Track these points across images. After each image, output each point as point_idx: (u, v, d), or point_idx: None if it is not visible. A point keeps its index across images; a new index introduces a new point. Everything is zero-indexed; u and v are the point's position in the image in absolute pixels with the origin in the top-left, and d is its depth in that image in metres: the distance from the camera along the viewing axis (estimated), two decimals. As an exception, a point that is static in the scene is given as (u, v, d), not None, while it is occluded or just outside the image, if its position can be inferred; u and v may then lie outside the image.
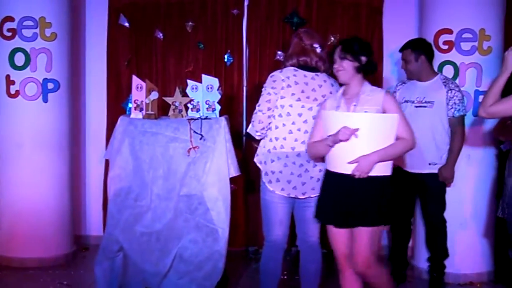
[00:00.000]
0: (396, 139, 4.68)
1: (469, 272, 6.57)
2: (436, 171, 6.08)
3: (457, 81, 6.29)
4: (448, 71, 6.39)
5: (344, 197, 4.73)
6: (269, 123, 5.15)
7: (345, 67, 4.80)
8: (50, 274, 6.58)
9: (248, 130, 5.33)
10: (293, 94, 5.07)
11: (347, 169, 4.66)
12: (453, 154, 6.05)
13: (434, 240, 6.31)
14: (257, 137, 5.27)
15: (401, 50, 6.26)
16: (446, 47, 6.42)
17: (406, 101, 6.19)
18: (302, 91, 5.09)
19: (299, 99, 5.07)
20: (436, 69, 6.32)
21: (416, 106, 6.12)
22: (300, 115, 5.08)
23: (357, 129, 4.56)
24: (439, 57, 6.40)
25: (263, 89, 5.21)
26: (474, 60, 6.38)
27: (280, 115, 5.09)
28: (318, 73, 5.19)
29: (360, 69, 4.81)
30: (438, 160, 6.07)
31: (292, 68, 5.19)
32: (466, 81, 6.38)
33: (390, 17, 7.35)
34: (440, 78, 6.13)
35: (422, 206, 6.33)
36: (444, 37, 6.43)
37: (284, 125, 5.09)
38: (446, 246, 6.30)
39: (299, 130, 5.07)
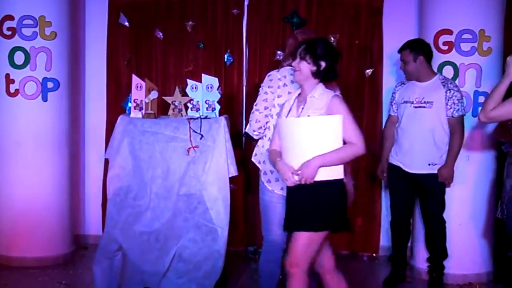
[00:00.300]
0: (345, 144, 4.57)
1: (468, 272, 6.56)
2: (435, 171, 6.08)
3: (456, 81, 6.29)
4: (448, 71, 6.38)
5: (292, 202, 4.70)
6: (267, 122, 5.16)
7: (301, 69, 4.68)
8: (49, 274, 6.57)
9: (246, 130, 5.34)
10: (289, 93, 5.08)
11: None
12: (452, 154, 6.05)
13: (433, 240, 6.32)
14: (255, 137, 5.28)
15: (400, 50, 6.26)
16: (446, 47, 6.42)
17: (405, 102, 6.19)
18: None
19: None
20: (436, 69, 6.32)
21: (415, 107, 6.12)
22: None
23: (299, 179, 4.54)
24: (439, 58, 6.40)
25: (260, 89, 5.22)
26: (474, 61, 6.38)
27: (278, 115, 5.08)
28: None
29: (316, 74, 4.67)
30: (438, 160, 6.07)
31: (289, 67, 5.19)
32: (465, 82, 6.38)
33: (390, 18, 7.33)
34: (439, 79, 6.13)
35: (422, 206, 6.33)
36: (444, 38, 6.42)
37: None
38: (445, 246, 6.30)
39: None
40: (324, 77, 4.69)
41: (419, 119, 6.08)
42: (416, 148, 6.12)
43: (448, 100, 5.99)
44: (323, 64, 4.65)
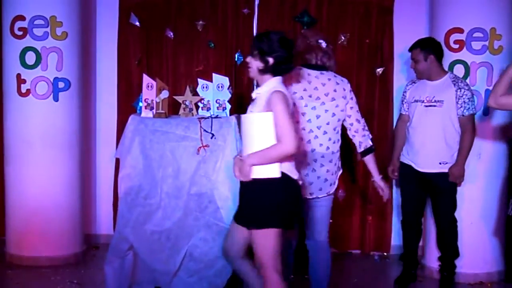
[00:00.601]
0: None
1: (479, 271, 6.57)
2: (447, 170, 6.07)
3: (468, 80, 6.28)
4: (459, 70, 6.38)
5: (240, 199, 4.80)
6: None
7: (251, 66, 4.65)
8: (60, 273, 6.60)
9: None
10: (294, 93, 5.04)
11: None
12: (462, 153, 6.04)
13: (445, 239, 6.30)
14: None
15: (410, 49, 6.26)
16: (457, 46, 6.41)
17: (416, 101, 6.19)
18: (304, 90, 5.06)
19: (301, 98, 5.04)
20: (447, 68, 6.31)
21: (426, 106, 6.11)
22: (303, 114, 5.06)
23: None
24: (450, 56, 6.39)
25: None
26: (485, 59, 6.38)
27: None
28: (324, 71, 5.16)
29: (264, 71, 4.61)
30: (449, 159, 6.07)
31: (297, 68, 5.14)
32: (477, 80, 6.37)
33: (401, 16, 7.33)
34: (450, 77, 6.12)
35: (433, 205, 6.32)
36: (455, 36, 6.42)
37: None
38: (457, 245, 6.29)
39: (304, 129, 5.06)
40: (274, 71, 4.62)
41: (429, 118, 6.07)
42: (427, 147, 6.11)
43: (459, 99, 5.97)
44: (270, 60, 4.56)
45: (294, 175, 4.64)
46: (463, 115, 5.99)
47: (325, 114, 5.06)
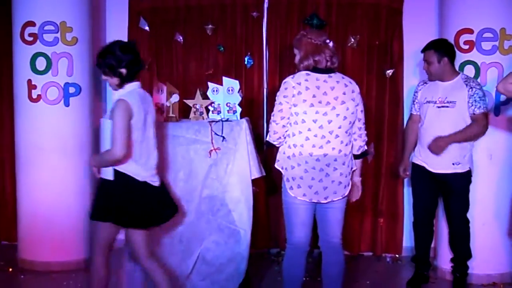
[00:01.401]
0: None
1: (492, 272, 6.53)
2: (460, 170, 6.04)
3: (478, 80, 6.26)
4: (469, 71, 6.36)
5: None
6: (286, 131, 5.09)
7: (111, 84, 4.91)
8: (72, 278, 6.60)
9: (267, 139, 5.28)
10: (304, 100, 4.96)
11: None
12: (459, 133, 5.99)
13: (457, 240, 6.28)
14: (276, 145, 5.22)
15: (423, 50, 6.22)
16: (466, 47, 6.39)
17: (428, 102, 6.16)
18: (314, 96, 4.97)
19: (312, 105, 4.95)
20: (457, 69, 6.28)
21: (438, 107, 6.09)
22: (315, 121, 4.98)
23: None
24: (460, 57, 6.37)
25: (276, 97, 5.13)
26: (495, 59, 6.35)
27: (295, 123, 5.02)
28: (332, 74, 5.08)
29: (123, 82, 4.86)
30: (462, 159, 6.04)
31: (305, 72, 5.07)
32: (487, 80, 6.35)
33: (410, 18, 7.30)
34: (462, 78, 6.10)
35: (445, 206, 6.30)
36: (464, 37, 6.40)
37: (300, 132, 5.02)
38: (469, 246, 6.27)
39: (315, 136, 4.99)
40: (131, 77, 4.87)
41: (442, 119, 6.05)
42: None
43: (470, 98, 5.95)
44: (123, 71, 4.82)
45: (141, 177, 4.88)
46: (474, 113, 5.96)
47: (337, 119, 5.02)
